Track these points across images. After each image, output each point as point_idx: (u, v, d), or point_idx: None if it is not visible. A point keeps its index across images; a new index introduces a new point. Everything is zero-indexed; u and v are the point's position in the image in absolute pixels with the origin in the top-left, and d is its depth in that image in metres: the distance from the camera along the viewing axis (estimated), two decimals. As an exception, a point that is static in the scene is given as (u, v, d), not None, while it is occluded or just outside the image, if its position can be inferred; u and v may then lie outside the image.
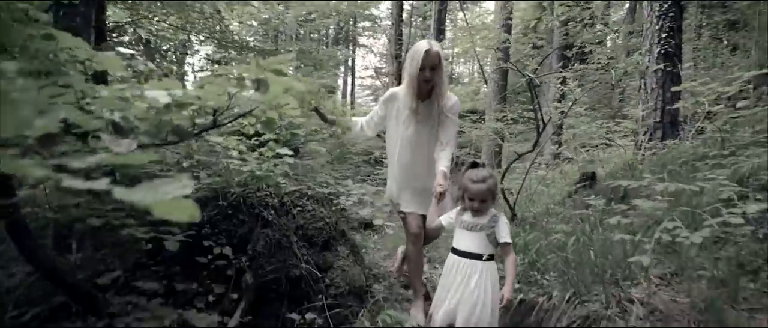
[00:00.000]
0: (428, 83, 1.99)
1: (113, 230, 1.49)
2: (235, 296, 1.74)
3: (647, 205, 1.50)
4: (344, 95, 19.54)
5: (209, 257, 1.74)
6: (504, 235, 1.69)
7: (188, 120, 0.77)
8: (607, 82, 8.64)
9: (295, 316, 1.78)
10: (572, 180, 4.17)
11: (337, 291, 2.01)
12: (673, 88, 3.85)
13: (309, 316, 1.81)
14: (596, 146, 5.55)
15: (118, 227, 1.42)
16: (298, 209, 2.10)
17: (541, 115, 2.74)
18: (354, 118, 2.39)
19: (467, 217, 1.76)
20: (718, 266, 1.83)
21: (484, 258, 1.69)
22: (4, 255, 1.50)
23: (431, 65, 1.95)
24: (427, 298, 2.47)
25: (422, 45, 1.98)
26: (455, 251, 1.76)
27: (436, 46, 1.98)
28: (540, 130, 2.78)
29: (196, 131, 0.84)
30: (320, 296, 1.95)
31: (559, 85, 5.48)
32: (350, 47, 17.27)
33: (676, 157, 3.47)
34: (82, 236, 1.64)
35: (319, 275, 1.97)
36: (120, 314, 1.34)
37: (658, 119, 4.48)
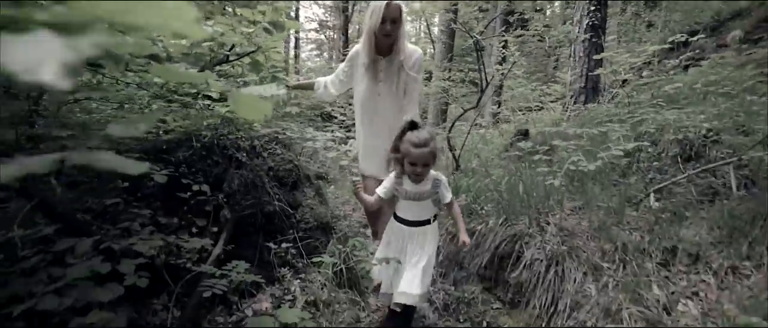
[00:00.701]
0: (389, 38, 1.92)
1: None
2: (215, 229, 1.90)
3: (562, 144, 1.89)
4: (288, 49, 18.72)
5: (188, 193, 1.87)
6: (448, 195, 1.68)
7: (207, 53, 0.91)
8: (544, 49, 9.34)
9: (272, 245, 1.99)
10: (509, 136, 4.68)
11: (307, 226, 2.25)
12: (595, 57, 4.39)
13: (284, 245, 2.04)
14: (531, 109, 6.16)
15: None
16: (268, 152, 2.25)
17: (485, 75, 3.07)
18: (318, 79, 2.29)
19: (408, 185, 1.67)
20: (612, 200, 2.35)
21: (431, 222, 1.71)
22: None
23: (392, 18, 1.88)
24: None
25: None
26: (402, 220, 1.72)
27: None
28: (483, 88, 3.12)
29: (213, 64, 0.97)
30: (292, 230, 2.17)
31: (501, 48, 5.91)
32: (295, -4, 16.34)
33: (594, 118, 4.07)
34: (59, 172, 1.68)
35: (291, 211, 2.19)
36: (115, 238, 1.46)
37: (582, 85, 5.09)
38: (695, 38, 3.89)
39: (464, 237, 1.64)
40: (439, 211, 1.75)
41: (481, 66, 3.01)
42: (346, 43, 12.87)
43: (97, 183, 1.73)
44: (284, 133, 2.31)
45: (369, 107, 2.07)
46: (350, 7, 15.27)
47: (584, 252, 1.85)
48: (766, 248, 1.83)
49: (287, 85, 2.27)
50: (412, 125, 1.64)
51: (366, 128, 2.11)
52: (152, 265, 1.61)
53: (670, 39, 3.88)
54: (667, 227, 2.06)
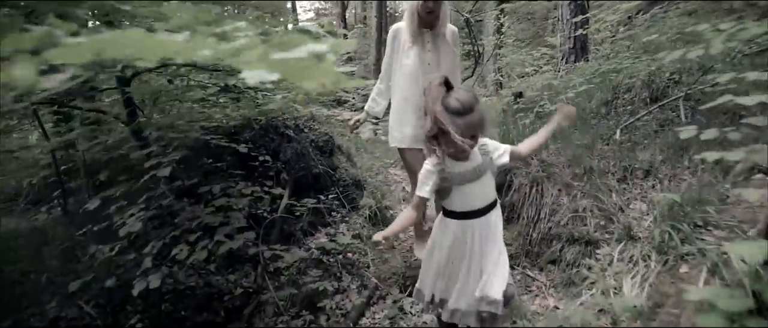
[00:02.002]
0: (431, 14, 1.92)
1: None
2: (279, 189, 2.53)
3: (532, 94, 2.44)
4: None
5: (257, 163, 2.50)
6: (503, 150, 1.35)
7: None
8: (539, 15, 9.65)
9: (321, 197, 2.62)
10: (507, 99, 5.20)
11: (345, 183, 2.87)
12: (574, 19, 4.84)
13: (330, 197, 2.66)
14: (528, 73, 6.62)
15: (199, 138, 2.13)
16: (309, 128, 2.86)
17: (477, 47, 3.58)
18: (365, 107, 2.26)
19: (456, 167, 1.30)
20: (586, 137, 2.90)
21: (496, 201, 1.38)
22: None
23: None
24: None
25: None
26: (463, 214, 1.33)
27: None
28: (477, 59, 3.64)
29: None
30: (334, 186, 2.80)
31: (495, 20, 6.34)
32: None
33: (581, 74, 4.55)
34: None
35: (332, 172, 2.81)
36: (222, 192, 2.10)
37: (571, 46, 5.53)
38: (667, -9, 4.31)
39: (556, 122, 1.40)
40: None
41: (473, 40, 3.52)
42: (346, 29, 13.30)
43: (188, 160, 2.37)
44: (318, 112, 2.91)
45: (417, 77, 2.00)
46: (347, -6, 15.50)
47: (559, 176, 2.42)
48: (701, 160, 2.37)
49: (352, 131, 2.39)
50: (447, 84, 1.26)
51: (408, 102, 2.05)
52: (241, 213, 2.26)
53: (645, -5, 4.30)
54: (628, 152, 2.61)
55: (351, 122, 2.24)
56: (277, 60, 0.52)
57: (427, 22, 1.96)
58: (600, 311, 1.70)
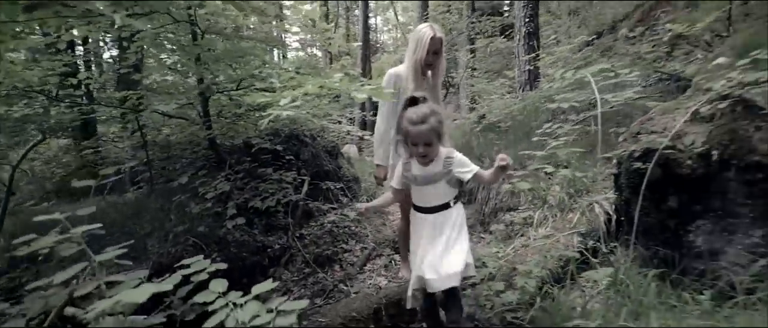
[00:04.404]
0: (430, 66, 2.11)
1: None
2: (301, 178, 3.41)
3: (495, 116, 3.44)
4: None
5: (284, 160, 3.37)
6: (468, 168, 1.50)
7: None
8: (506, 52, 11.05)
9: (332, 185, 3.49)
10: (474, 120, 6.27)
11: (347, 179, 3.77)
12: (525, 57, 6.04)
13: (338, 187, 3.55)
14: (493, 99, 7.80)
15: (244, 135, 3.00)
16: (319, 136, 3.77)
17: (447, 79, 4.59)
18: (390, 153, 2.13)
19: (416, 169, 1.51)
20: (525, 144, 3.91)
21: (452, 204, 1.53)
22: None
23: (435, 50, 2.04)
24: None
25: (426, 31, 2.03)
26: (419, 208, 1.56)
27: (439, 32, 2.06)
28: (448, 89, 4.67)
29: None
30: (339, 180, 3.69)
31: (469, 56, 7.53)
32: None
33: (530, 100, 5.68)
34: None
35: (337, 169, 3.70)
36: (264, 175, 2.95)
37: (526, 78, 6.72)
38: (591, 38, 5.53)
39: (499, 163, 1.44)
40: (462, 190, 1.62)
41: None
42: (331, 63, 14.43)
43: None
44: (327, 124, 3.83)
45: None
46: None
47: (503, 169, 3.40)
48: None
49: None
50: (412, 101, 1.50)
51: None
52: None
53: (577, 40, 5.52)
54: (552, 150, 3.62)
55: (381, 176, 2.26)
56: (369, 88, 1.40)
57: (425, 71, 2.15)
58: (524, 246, 2.64)
